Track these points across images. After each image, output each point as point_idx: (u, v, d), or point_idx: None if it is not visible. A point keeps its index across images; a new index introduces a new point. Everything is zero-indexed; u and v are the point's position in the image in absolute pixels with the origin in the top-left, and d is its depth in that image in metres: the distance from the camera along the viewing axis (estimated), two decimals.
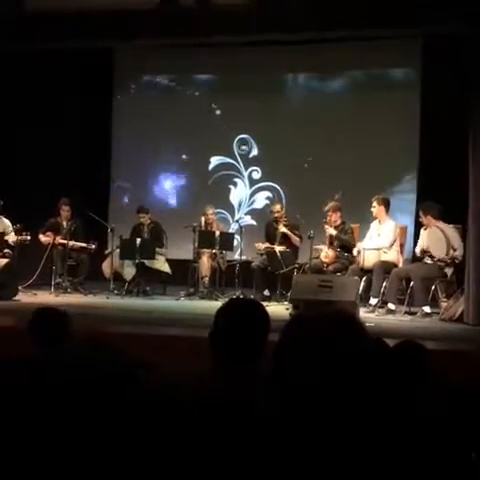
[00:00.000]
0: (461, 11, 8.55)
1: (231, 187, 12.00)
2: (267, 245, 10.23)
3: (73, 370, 2.30)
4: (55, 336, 3.73)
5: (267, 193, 11.81)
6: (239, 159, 11.94)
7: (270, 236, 10.36)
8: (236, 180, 11.98)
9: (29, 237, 9.92)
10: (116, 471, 2.07)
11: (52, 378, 2.43)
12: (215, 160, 12.01)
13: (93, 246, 10.30)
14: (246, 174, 11.97)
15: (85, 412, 2.16)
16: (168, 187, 12.16)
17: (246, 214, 11.91)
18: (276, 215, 10.32)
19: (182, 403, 2.15)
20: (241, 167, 11.96)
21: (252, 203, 11.94)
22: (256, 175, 11.91)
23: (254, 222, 11.74)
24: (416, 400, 2.78)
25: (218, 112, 11.94)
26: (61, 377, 2.31)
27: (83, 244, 10.35)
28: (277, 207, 10.38)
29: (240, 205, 11.98)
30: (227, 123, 11.88)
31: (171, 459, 2.05)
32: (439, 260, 8.77)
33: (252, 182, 11.94)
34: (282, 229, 10.16)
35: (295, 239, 10.15)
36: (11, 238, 9.97)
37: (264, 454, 1.81)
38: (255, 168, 11.91)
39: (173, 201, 11.98)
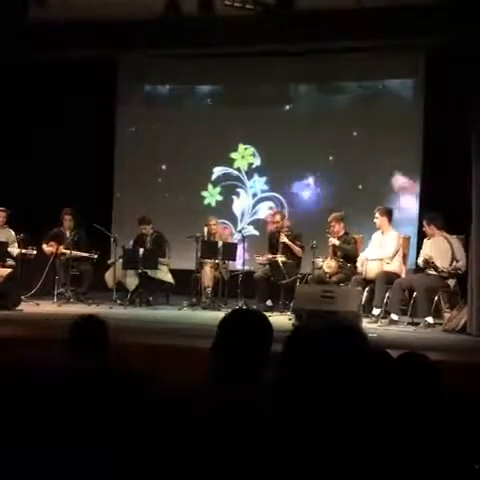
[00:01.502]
0: (462, 22, 8.59)
1: (234, 197, 12.00)
2: (267, 256, 10.24)
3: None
4: (96, 346, 3.66)
5: (270, 203, 11.81)
6: (242, 169, 11.95)
7: (273, 246, 10.36)
8: (239, 190, 11.99)
9: (35, 252, 9.94)
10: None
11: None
12: (218, 170, 12.02)
13: (95, 255, 10.30)
14: (249, 184, 11.97)
15: (92, 419, 2.16)
16: (171, 196, 12.16)
17: (249, 224, 11.90)
18: (276, 226, 10.32)
19: (185, 413, 2.14)
20: (244, 177, 11.97)
21: (255, 213, 11.94)
22: (259, 185, 11.92)
23: (257, 232, 11.73)
24: (419, 411, 2.77)
25: (221, 122, 11.93)
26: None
27: (85, 253, 10.35)
28: (277, 218, 10.36)
29: (243, 215, 11.97)
30: (230, 133, 11.90)
31: (173, 468, 2.05)
32: (442, 271, 8.75)
33: (255, 192, 11.95)
34: (283, 239, 10.15)
35: (296, 249, 10.14)
36: (15, 251, 9.97)
37: (267, 464, 1.81)
38: (258, 178, 11.92)
39: (176, 210, 11.94)
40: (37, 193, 11.00)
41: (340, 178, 11.28)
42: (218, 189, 12.02)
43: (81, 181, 11.48)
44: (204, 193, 12.06)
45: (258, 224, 11.81)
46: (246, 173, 11.97)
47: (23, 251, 9.89)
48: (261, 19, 8.42)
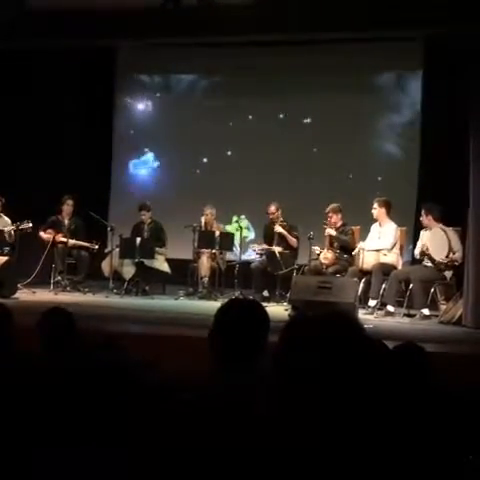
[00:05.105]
0: (462, 13, 8.57)
1: None
2: (263, 246, 10.24)
3: (79, 368, 2.30)
4: (63, 336, 3.73)
5: None
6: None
7: (268, 237, 10.36)
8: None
9: (31, 224, 9.76)
10: (116, 468, 2.08)
11: (60, 377, 2.43)
12: None
13: (96, 246, 10.27)
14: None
15: (87, 409, 2.16)
16: (169, 186, 12.13)
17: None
18: (271, 216, 10.29)
19: (182, 402, 2.15)
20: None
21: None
22: None
23: None
24: (415, 402, 2.78)
25: (217, 110, 11.91)
26: (68, 375, 2.31)
27: (86, 244, 10.32)
28: (272, 208, 10.30)
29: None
30: (224, 122, 11.91)
31: (171, 457, 2.05)
32: (439, 263, 8.77)
33: None
34: (278, 229, 10.13)
35: (291, 240, 10.13)
36: (9, 228, 9.78)
37: (263, 453, 1.81)
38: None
39: (173, 197, 11.86)
40: (34, 182, 10.97)
41: (338, 170, 11.24)
42: None
43: (79, 171, 11.47)
44: None
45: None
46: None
47: (20, 226, 9.73)
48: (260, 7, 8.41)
